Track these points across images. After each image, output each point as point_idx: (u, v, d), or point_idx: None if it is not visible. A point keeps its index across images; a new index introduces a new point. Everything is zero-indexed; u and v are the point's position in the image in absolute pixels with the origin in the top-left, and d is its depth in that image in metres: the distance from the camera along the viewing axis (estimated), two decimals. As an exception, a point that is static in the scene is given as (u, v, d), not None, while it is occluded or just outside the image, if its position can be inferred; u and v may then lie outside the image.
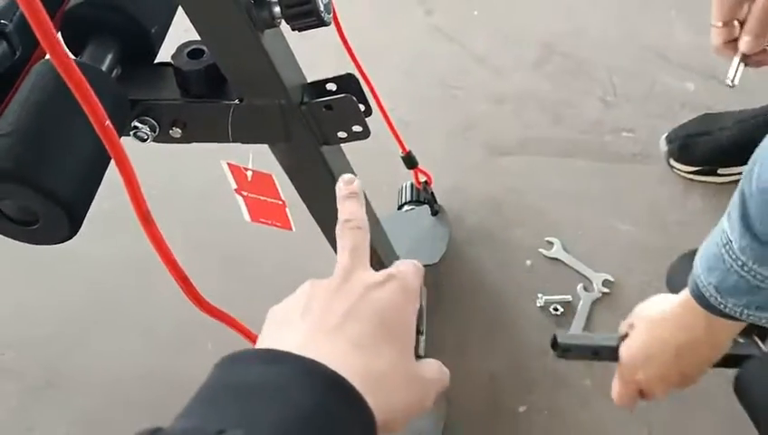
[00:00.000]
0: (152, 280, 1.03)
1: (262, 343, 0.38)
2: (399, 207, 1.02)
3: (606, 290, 0.94)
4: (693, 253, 0.88)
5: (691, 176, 1.05)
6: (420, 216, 0.98)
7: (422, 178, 0.95)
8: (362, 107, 0.60)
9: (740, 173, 1.04)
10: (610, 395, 0.85)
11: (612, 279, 0.95)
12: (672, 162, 1.06)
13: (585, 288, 0.94)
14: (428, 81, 1.25)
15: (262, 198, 0.64)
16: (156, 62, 0.60)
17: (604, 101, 1.20)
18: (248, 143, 0.59)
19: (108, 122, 0.35)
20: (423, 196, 0.98)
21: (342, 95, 0.56)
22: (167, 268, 0.46)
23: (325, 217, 0.67)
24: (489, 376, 0.87)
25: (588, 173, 1.10)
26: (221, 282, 1.01)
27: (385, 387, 0.35)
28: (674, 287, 0.90)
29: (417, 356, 0.85)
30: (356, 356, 0.35)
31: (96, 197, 0.53)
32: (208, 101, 0.56)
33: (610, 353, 0.70)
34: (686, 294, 0.65)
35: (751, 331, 0.75)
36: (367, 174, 1.16)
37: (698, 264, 0.62)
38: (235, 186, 0.64)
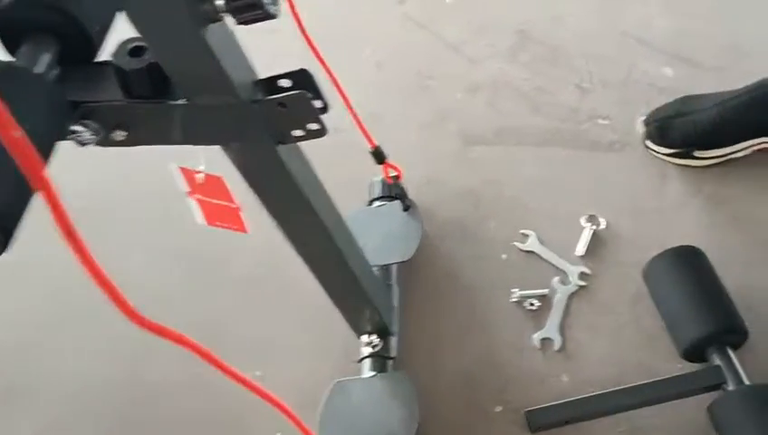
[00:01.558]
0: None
1: None
2: (370, 203, 0.99)
3: (582, 283, 0.92)
4: (669, 251, 0.87)
5: (668, 158, 1.04)
6: (391, 212, 0.96)
7: (392, 173, 0.92)
8: (319, 103, 0.57)
9: (717, 156, 1.03)
10: (587, 392, 0.83)
11: (589, 271, 0.93)
12: (649, 144, 1.04)
13: (561, 281, 0.92)
14: (401, 71, 1.22)
15: (215, 201, 0.61)
16: (100, 60, 0.56)
17: (581, 88, 1.17)
18: (198, 145, 0.56)
19: (19, 133, 0.32)
20: (394, 191, 0.95)
21: (296, 92, 0.53)
22: (96, 283, 0.42)
23: (284, 218, 0.64)
24: (463, 376, 0.85)
25: (565, 162, 1.07)
26: (185, 283, 0.99)
27: None
28: (650, 282, 0.88)
29: (390, 358, 0.83)
30: None
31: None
32: (152, 101, 0.53)
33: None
34: None
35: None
36: (336, 168, 1.13)
37: None
38: (186, 189, 0.61)
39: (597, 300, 0.90)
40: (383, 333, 0.82)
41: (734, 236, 0.95)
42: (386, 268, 0.90)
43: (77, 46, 0.55)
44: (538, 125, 1.13)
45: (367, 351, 0.82)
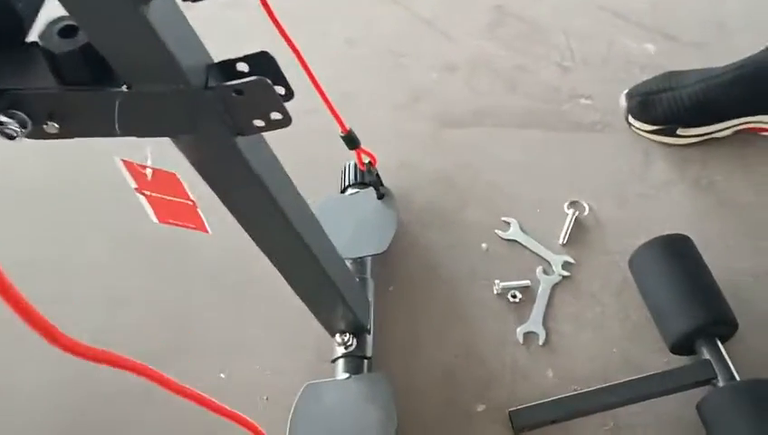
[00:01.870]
0: (71, 283, 0.93)
1: None
2: (343, 190, 0.94)
3: (566, 273, 0.87)
4: (656, 241, 0.83)
5: (650, 135, 1.00)
6: (365, 200, 0.90)
7: (366, 159, 0.86)
8: (282, 90, 0.51)
9: (700, 135, 0.99)
10: (572, 388, 0.80)
11: (572, 261, 0.89)
12: (631, 120, 1.00)
13: (544, 271, 0.88)
14: (373, 48, 1.16)
15: (168, 197, 0.55)
16: (29, 41, 0.49)
17: (561, 67, 1.12)
18: (143, 137, 0.49)
19: None
20: (368, 178, 0.90)
21: (254, 78, 0.46)
22: (20, 317, 0.36)
23: (245, 215, 0.58)
24: (443, 373, 0.81)
25: (545, 144, 1.03)
26: (147, 277, 0.92)
27: None
28: (636, 272, 0.84)
29: (365, 357, 0.77)
30: None
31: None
32: (89, 88, 0.46)
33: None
34: None
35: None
36: (307, 152, 1.07)
37: None
38: (134, 185, 0.55)
39: (581, 290, 0.86)
40: (358, 332, 0.77)
41: (719, 221, 0.92)
42: (360, 261, 0.85)
43: (1, 25, 0.48)
44: (517, 105, 1.08)
45: (340, 351, 0.77)
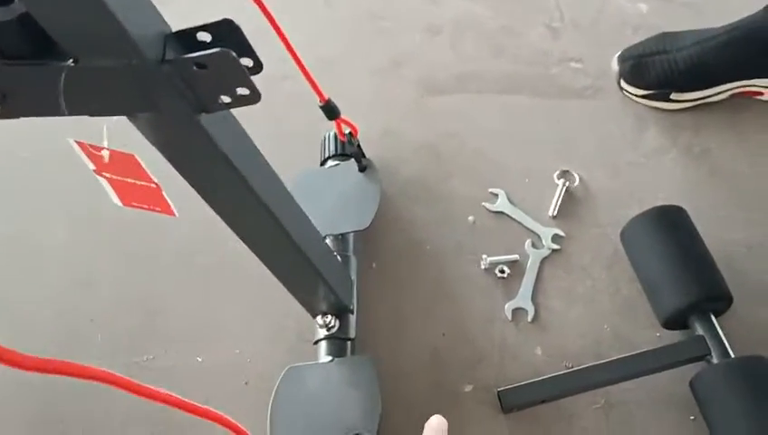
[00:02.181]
0: (31, 264, 0.89)
1: None
2: (322, 162, 0.89)
3: (556, 246, 0.84)
4: (649, 212, 0.80)
5: (643, 100, 0.96)
6: (346, 172, 0.86)
7: (346, 130, 0.82)
8: (249, 62, 0.46)
9: (694, 99, 0.95)
10: (563, 365, 0.77)
11: (562, 234, 0.85)
12: (623, 84, 0.97)
13: (533, 245, 0.85)
14: (352, 11, 1.10)
15: (129, 180, 0.51)
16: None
17: (550, 28, 1.07)
18: (94, 116, 0.45)
19: None
20: (349, 149, 0.85)
21: (217, 50, 0.42)
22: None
23: (213, 196, 0.54)
24: (430, 353, 0.78)
25: (534, 111, 0.99)
26: (115, 257, 0.88)
27: None
28: (628, 245, 0.81)
29: (348, 339, 0.74)
30: None
31: None
32: (30, 63, 0.41)
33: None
34: None
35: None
36: (285, 122, 1.02)
37: None
38: (92, 167, 0.50)
39: (571, 264, 0.83)
40: (340, 313, 0.74)
41: (712, 190, 0.89)
42: (341, 238, 0.81)
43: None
44: (504, 70, 1.03)
45: (322, 333, 0.73)
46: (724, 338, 0.72)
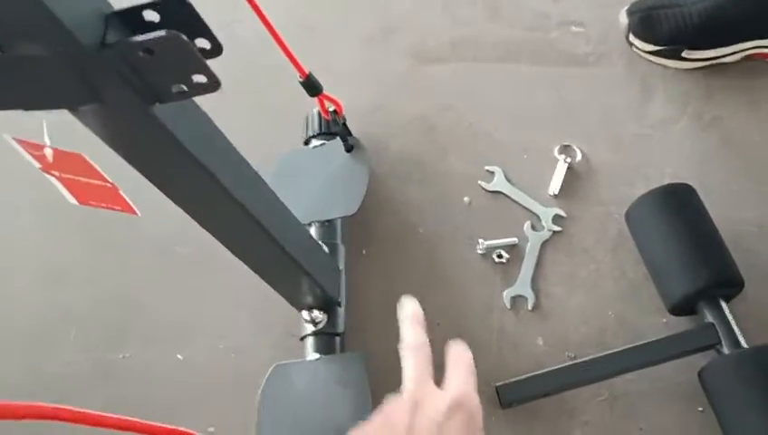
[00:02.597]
0: (1, 257, 0.83)
1: None
2: (306, 142, 0.84)
3: (557, 228, 0.79)
4: (655, 192, 0.74)
5: (652, 57, 0.90)
6: (331, 153, 0.80)
7: (330, 107, 0.76)
8: (205, 43, 0.40)
9: (707, 58, 0.89)
10: (565, 355, 0.73)
11: (564, 214, 0.80)
12: (632, 39, 0.90)
13: (533, 227, 0.80)
14: (337, -26, 1.03)
15: (82, 179, 0.45)
16: None
17: (549, -12, 1.00)
18: (29, 110, 0.39)
19: None
20: (334, 128, 0.79)
21: (164, 32, 0.36)
22: None
23: (177, 194, 0.49)
24: (424, 345, 0.74)
25: (532, 80, 0.92)
26: (88, 250, 0.83)
27: None
28: (634, 226, 0.76)
29: (337, 334, 0.69)
30: None
31: None
32: (-51, 53, 0.36)
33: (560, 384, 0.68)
34: None
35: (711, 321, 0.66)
36: (265, 97, 0.95)
37: None
38: (38, 165, 0.45)
39: (573, 247, 0.78)
40: (327, 306, 0.69)
41: (722, 163, 0.83)
42: (328, 224, 0.76)
43: None
44: (501, 35, 0.96)
45: (309, 328, 0.69)
46: (734, 326, 0.67)
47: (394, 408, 0.44)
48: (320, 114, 0.82)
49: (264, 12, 0.61)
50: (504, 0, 0.99)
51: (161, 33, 0.36)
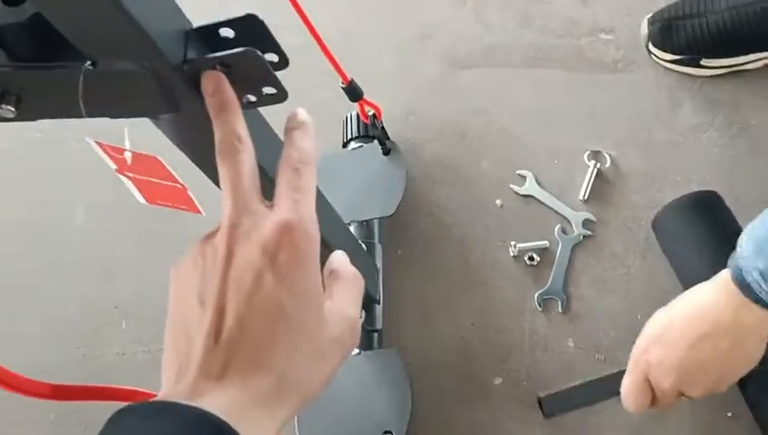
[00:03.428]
0: (59, 253, 0.87)
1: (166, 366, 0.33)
2: (344, 144, 0.86)
3: (588, 232, 0.82)
4: (682, 200, 0.76)
5: (672, 66, 0.91)
6: (369, 155, 0.83)
7: (369, 111, 0.79)
8: (274, 57, 0.43)
9: (727, 66, 0.91)
10: (596, 357, 0.75)
11: (594, 219, 0.82)
12: (651, 48, 0.92)
13: (563, 231, 0.82)
14: (374, -21, 1.05)
15: (154, 180, 0.49)
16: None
17: (580, -4, 1.02)
18: (114, 118, 0.42)
19: None
20: (372, 131, 0.82)
21: (241, 49, 0.39)
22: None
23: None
24: (458, 343, 0.76)
25: (563, 86, 0.94)
26: (134, 247, 0.86)
27: (297, 386, 0.32)
28: (661, 235, 0.78)
29: (375, 331, 0.71)
30: (256, 385, 0.31)
31: None
32: (47, 65, 0.39)
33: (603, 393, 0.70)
34: (720, 276, 0.58)
35: None
36: (304, 99, 0.98)
37: (744, 246, 0.56)
38: (114, 167, 0.48)
39: (604, 251, 0.81)
40: (366, 303, 0.72)
41: (751, 172, 0.85)
42: (366, 224, 0.79)
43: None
44: (532, 42, 0.99)
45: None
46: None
47: (209, 236, 0.35)
48: (358, 117, 0.85)
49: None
50: (535, 7, 1.01)
51: (240, 49, 0.39)
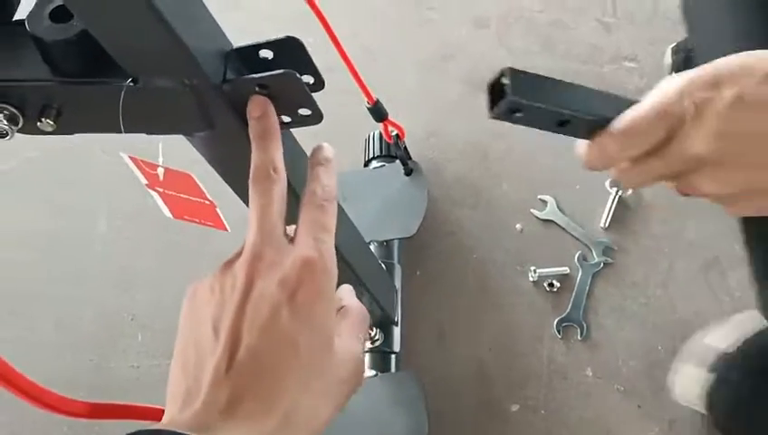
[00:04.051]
0: (81, 262, 0.87)
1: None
2: (366, 163, 0.87)
3: (608, 259, 0.81)
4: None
5: None
6: (391, 175, 0.83)
7: (393, 132, 0.79)
8: (310, 79, 0.43)
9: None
10: (614, 388, 0.75)
11: (615, 247, 0.82)
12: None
13: (584, 258, 0.81)
14: (397, 0, 1.06)
15: (183, 196, 0.49)
16: (16, 20, 0.42)
17: (602, 23, 1.03)
18: (151, 134, 0.42)
19: None
20: (395, 151, 0.82)
21: (281, 72, 0.39)
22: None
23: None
24: (476, 369, 0.76)
25: (585, 112, 0.94)
26: (158, 258, 0.86)
27: (302, 425, 0.32)
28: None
29: (392, 352, 0.71)
30: (262, 423, 0.31)
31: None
32: (89, 81, 0.39)
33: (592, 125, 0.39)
34: None
35: None
36: (327, 117, 0.99)
37: None
38: (145, 181, 0.48)
39: (624, 280, 0.80)
40: (384, 325, 0.72)
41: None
42: (386, 244, 0.78)
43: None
44: (555, 67, 0.99)
45: (366, 346, 0.71)
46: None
47: (230, 262, 0.35)
48: (381, 137, 0.85)
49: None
50: (558, 33, 1.02)
51: (280, 72, 0.39)
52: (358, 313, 0.37)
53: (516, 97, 0.36)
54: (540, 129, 0.40)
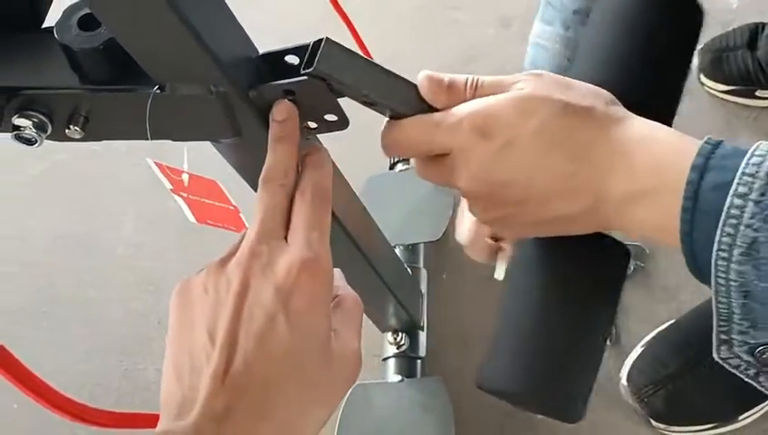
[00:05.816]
0: (105, 266, 0.88)
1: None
2: (392, 166, 0.86)
3: (639, 263, 0.79)
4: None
5: (726, 96, 0.89)
6: (417, 178, 0.82)
7: (419, 135, 0.78)
8: (338, 85, 0.43)
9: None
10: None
11: (646, 250, 0.80)
12: (702, 79, 0.90)
13: (613, 261, 0.80)
14: (423, 0, 1.05)
15: (207, 201, 0.49)
16: (45, 27, 0.42)
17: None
18: (178, 141, 0.42)
19: None
20: (420, 154, 0.81)
21: (306, 77, 0.39)
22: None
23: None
24: (502, 374, 0.75)
25: (613, 113, 0.93)
26: (184, 257, 0.87)
27: (298, 431, 0.32)
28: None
29: (419, 358, 0.70)
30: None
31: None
32: (116, 89, 0.39)
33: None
34: None
35: None
36: (352, 119, 0.99)
37: None
38: (169, 186, 0.48)
39: (655, 284, 0.78)
40: (410, 329, 0.71)
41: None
42: (412, 248, 0.78)
43: (10, 6, 0.41)
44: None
45: (392, 350, 0.71)
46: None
47: (224, 261, 0.35)
48: (406, 140, 0.85)
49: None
50: (587, 32, 1.01)
51: (306, 77, 0.39)
52: (352, 300, 0.37)
53: (322, 67, 0.37)
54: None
